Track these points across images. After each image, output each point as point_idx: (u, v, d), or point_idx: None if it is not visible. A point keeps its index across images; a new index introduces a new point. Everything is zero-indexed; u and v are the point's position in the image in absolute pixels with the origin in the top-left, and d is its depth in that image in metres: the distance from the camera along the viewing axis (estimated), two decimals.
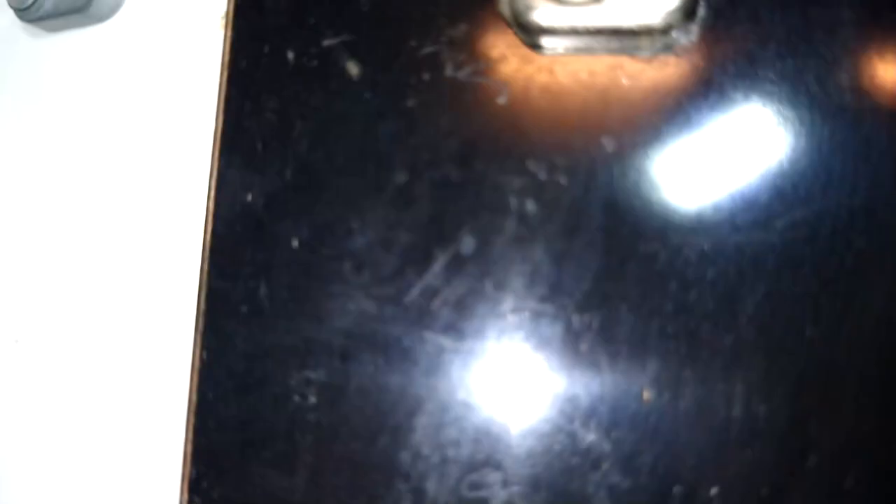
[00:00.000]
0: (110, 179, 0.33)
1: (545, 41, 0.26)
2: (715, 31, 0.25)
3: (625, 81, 0.26)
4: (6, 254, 0.34)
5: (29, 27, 0.36)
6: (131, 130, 0.33)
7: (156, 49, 0.34)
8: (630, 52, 0.26)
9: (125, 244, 0.32)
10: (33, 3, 0.35)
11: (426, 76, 0.27)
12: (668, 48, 0.25)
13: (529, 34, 0.26)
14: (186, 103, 0.32)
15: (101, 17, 0.35)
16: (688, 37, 0.25)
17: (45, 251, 0.33)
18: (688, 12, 0.25)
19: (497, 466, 0.24)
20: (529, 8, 0.26)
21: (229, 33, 0.28)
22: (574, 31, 0.26)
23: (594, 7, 0.25)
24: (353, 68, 0.28)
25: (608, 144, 0.26)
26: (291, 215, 0.27)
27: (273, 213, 0.27)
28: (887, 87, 0.24)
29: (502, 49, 0.27)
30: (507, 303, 0.25)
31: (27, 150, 0.35)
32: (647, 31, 0.25)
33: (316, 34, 0.28)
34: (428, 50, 0.27)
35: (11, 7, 0.36)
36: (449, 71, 0.27)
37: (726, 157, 0.25)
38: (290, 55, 0.28)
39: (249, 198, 0.27)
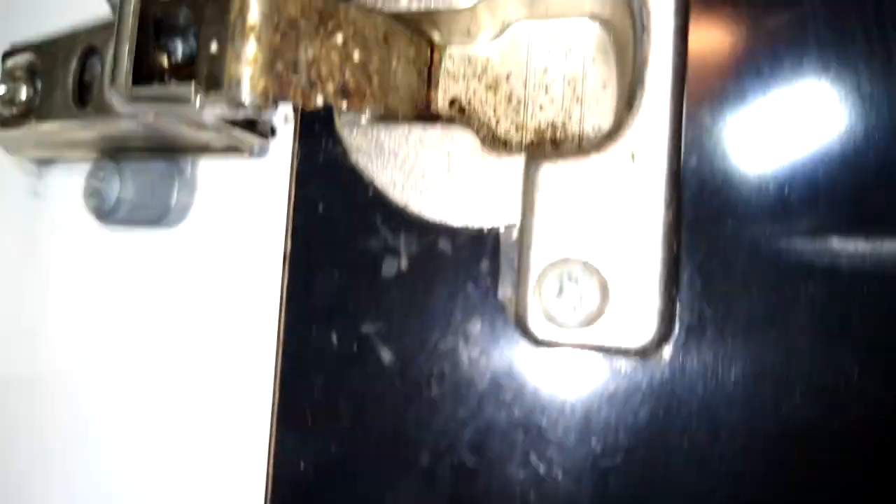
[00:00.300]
0: (167, 393, 0.38)
1: (543, 344, 0.30)
2: (689, 350, 0.28)
3: (612, 386, 0.29)
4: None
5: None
6: (191, 338, 0.38)
7: (216, 260, 0.39)
8: (614, 362, 0.29)
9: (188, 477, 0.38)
10: (110, 211, 0.40)
11: (446, 367, 0.31)
12: (647, 361, 0.29)
13: (530, 338, 0.30)
14: (243, 322, 0.37)
15: (168, 224, 0.40)
16: (662, 357, 0.28)
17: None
18: (664, 337, 0.28)
19: None
20: (527, 321, 0.29)
21: (283, 316, 0.33)
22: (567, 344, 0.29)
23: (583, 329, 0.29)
24: (386, 355, 0.32)
25: (596, 446, 0.30)
26: (338, 486, 0.32)
27: (322, 482, 0.32)
28: None
29: (509, 344, 0.31)
30: None
31: (93, 350, 0.41)
32: (625, 352, 0.29)
33: (355, 321, 0.32)
34: (448, 344, 0.31)
35: (89, 210, 0.41)
36: (465, 362, 0.31)
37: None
38: (335, 338, 0.33)
39: (302, 467, 0.33)
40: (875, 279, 0.26)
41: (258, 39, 0.27)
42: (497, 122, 0.33)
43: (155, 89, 0.30)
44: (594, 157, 0.28)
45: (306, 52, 0.28)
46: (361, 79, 0.30)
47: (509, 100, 0.33)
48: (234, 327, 0.37)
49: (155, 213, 0.40)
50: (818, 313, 0.27)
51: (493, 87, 0.33)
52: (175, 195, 0.41)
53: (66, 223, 0.44)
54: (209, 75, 0.29)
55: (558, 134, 0.32)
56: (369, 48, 0.30)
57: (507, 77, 0.33)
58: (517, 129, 0.33)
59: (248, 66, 0.27)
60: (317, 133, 0.33)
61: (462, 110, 0.34)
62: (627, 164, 0.27)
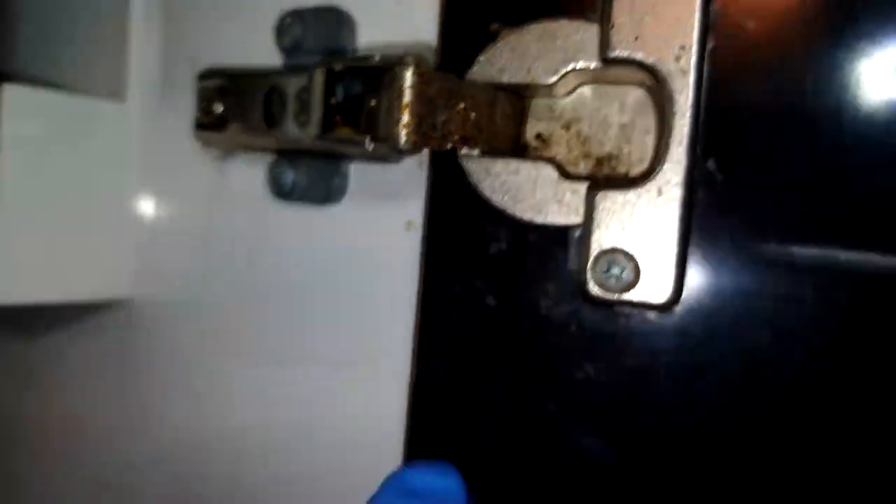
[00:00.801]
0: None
1: (596, 302, 0.45)
2: (693, 308, 0.43)
3: (640, 329, 0.44)
4: None
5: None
6: (344, 285, 0.54)
7: (368, 229, 0.54)
8: (643, 314, 0.44)
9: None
10: (287, 193, 0.56)
11: (531, 311, 0.47)
12: (664, 314, 0.44)
13: (588, 298, 0.45)
14: (388, 275, 0.52)
15: (329, 203, 0.56)
16: (675, 311, 0.43)
17: None
18: (676, 299, 0.43)
19: None
20: (586, 287, 0.44)
21: (421, 273, 0.49)
22: (611, 302, 0.44)
23: (623, 293, 0.43)
24: (491, 301, 0.48)
25: (632, 365, 0.45)
26: (464, 395, 0.48)
27: (452, 393, 0.49)
28: None
29: (572, 300, 0.46)
30: None
31: (261, 293, 0.57)
32: (650, 308, 0.44)
33: (471, 279, 0.48)
34: (532, 296, 0.47)
35: (270, 191, 0.57)
36: (543, 309, 0.47)
37: None
38: (456, 288, 0.48)
39: (437, 380, 0.49)
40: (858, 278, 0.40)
41: (410, 112, 0.41)
42: (569, 150, 0.48)
43: (340, 136, 0.45)
44: (633, 190, 0.42)
45: (440, 117, 0.43)
46: (475, 131, 0.45)
47: (578, 136, 0.47)
48: (381, 278, 0.53)
49: (319, 195, 0.56)
50: (776, 294, 0.41)
51: (567, 126, 0.48)
52: (335, 183, 0.56)
53: (245, 199, 0.60)
54: (369, 125, 0.44)
55: (612, 162, 0.47)
56: (481, 109, 0.45)
57: (578, 120, 0.47)
58: (584, 157, 0.47)
59: (404, 128, 0.42)
60: (444, 160, 0.48)
61: (544, 142, 0.48)
62: (655, 197, 0.42)
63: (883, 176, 0.38)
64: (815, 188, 0.40)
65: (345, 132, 0.47)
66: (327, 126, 0.47)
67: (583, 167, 0.47)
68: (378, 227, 0.52)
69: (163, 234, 0.63)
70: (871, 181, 0.39)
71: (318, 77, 0.45)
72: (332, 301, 0.55)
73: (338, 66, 0.46)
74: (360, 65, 0.45)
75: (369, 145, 0.43)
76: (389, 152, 0.43)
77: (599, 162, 0.46)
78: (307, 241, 0.56)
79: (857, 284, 0.39)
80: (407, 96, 0.42)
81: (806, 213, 0.40)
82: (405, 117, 0.42)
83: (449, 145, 0.44)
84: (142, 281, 0.64)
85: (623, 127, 0.46)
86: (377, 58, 0.43)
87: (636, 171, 0.45)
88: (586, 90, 0.47)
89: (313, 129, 0.45)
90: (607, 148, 0.46)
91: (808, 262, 0.40)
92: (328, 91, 0.47)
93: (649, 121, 0.46)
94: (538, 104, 0.48)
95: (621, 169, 0.46)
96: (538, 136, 0.48)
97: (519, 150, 0.48)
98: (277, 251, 0.57)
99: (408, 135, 0.41)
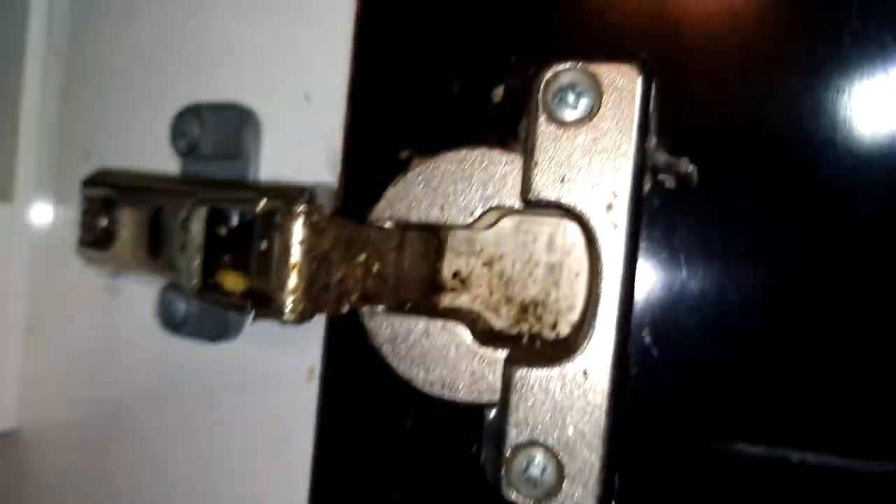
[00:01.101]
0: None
1: None
2: None
3: None
4: None
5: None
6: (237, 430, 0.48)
7: (261, 379, 0.48)
8: None
9: None
10: (178, 325, 0.50)
11: None
12: None
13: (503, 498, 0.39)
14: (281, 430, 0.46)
15: (223, 340, 0.49)
16: None
17: None
18: None
19: None
20: (500, 487, 0.38)
21: (316, 441, 0.42)
22: None
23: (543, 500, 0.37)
24: (395, 495, 0.41)
25: None
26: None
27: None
28: None
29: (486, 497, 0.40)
30: None
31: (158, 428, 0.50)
32: None
33: (373, 464, 0.42)
34: (441, 488, 0.40)
35: (161, 323, 0.50)
36: None
37: None
38: (355, 478, 0.42)
39: None
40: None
41: (299, 273, 0.35)
42: (491, 292, 0.41)
43: (220, 298, 0.38)
44: (556, 369, 0.36)
45: (336, 275, 0.37)
46: (379, 284, 0.38)
47: (500, 276, 0.41)
48: (279, 438, 0.46)
49: (213, 331, 0.50)
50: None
51: (489, 264, 0.41)
52: (230, 316, 0.49)
53: (136, 319, 0.53)
54: (261, 268, 0.37)
55: (538, 310, 0.40)
56: (385, 258, 0.39)
57: (500, 257, 0.41)
58: (506, 301, 0.41)
59: (290, 294, 0.35)
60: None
61: (462, 282, 0.42)
62: (581, 379, 0.36)
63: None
64: (760, 374, 0.34)
65: (231, 281, 0.41)
66: (209, 272, 0.40)
67: (505, 314, 0.41)
68: (276, 372, 0.46)
69: (50, 359, 0.56)
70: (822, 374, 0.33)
71: (197, 221, 0.39)
72: (226, 454, 0.48)
73: (220, 207, 0.40)
74: (244, 209, 0.38)
75: (250, 313, 0.36)
76: (275, 319, 0.36)
77: (524, 308, 0.40)
78: (199, 380, 0.49)
79: (809, 482, 0.33)
80: (295, 254, 0.35)
81: (754, 403, 0.34)
82: (293, 279, 0.35)
83: (346, 307, 0.38)
84: (28, 410, 0.57)
85: (551, 267, 0.40)
86: (262, 203, 0.37)
87: (565, 322, 0.40)
88: (509, 222, 0.41)
89: (192, 278, 0.39)
90: (532, 292, 0.40)
91: (757, 461, 0.34)
92: (212, 224, 0.40)
93: (581, 260, 0.40)
94: (457, 235, 0.42)
95: (548, 318, 0.40)
96: (456, 274, 0.42)
97: (434, 291, 0.42)
98: (168, 386, 0.50)
99: (295, 302, 0.35)
